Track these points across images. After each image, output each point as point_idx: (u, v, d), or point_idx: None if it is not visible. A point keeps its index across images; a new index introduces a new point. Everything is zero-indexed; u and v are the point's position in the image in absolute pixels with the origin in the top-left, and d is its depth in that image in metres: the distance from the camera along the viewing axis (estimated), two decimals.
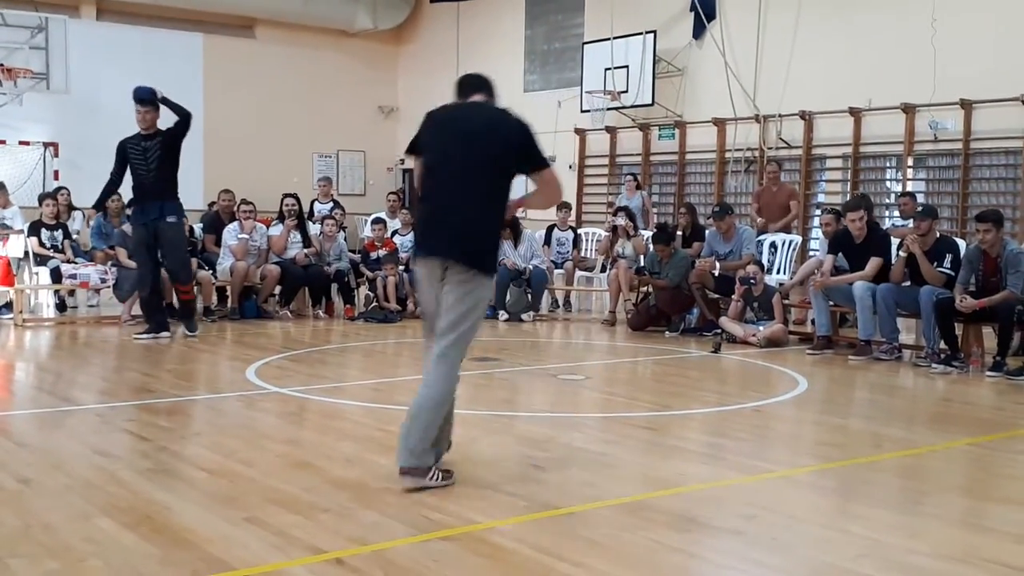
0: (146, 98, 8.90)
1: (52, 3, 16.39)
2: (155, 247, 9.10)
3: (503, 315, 11.34)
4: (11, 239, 10.73)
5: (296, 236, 11.38)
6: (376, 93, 20.83)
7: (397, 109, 20.92)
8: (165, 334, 9.19)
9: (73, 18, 16.43)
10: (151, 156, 8.94)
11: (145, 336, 9.13)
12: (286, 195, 11.72)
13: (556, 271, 12.47)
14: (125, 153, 9.01)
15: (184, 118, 8.98)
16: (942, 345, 8.32)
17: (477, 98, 4.70)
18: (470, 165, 4.46)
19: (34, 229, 10.88)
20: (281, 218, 11.57)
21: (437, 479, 4.34)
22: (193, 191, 16.53)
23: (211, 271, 10.96)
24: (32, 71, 14.97)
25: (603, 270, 12.30)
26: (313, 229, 12.03)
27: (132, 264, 10.23)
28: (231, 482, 4.44)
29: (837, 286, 9.04)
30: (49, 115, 16.41)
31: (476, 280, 4.39)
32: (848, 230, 9.11)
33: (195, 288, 10.10)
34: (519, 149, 4.54)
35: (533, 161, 4.59)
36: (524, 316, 11.43)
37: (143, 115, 8.92)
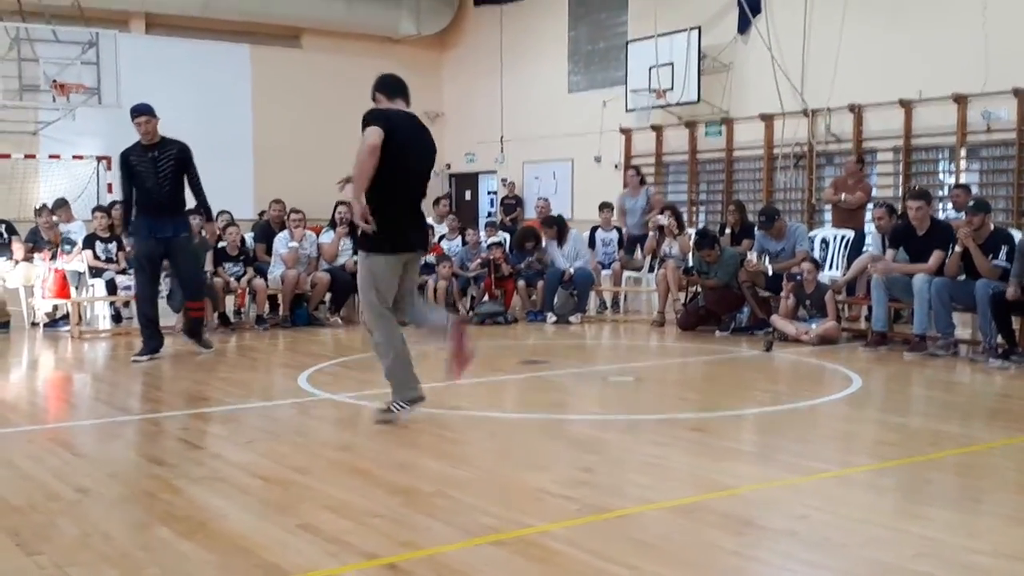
0: (143, 110, 8.53)
1: (102, 18, 16.69)
2: (160, 263, 8.77)
3: (551, 317, 11.33)
4: (69, 253, 10.94)
5: (347, 243, 11.46)
6: (421, 98, 20.56)
7: (443, 114, 21.00)
8: (159, 353, 8.76)
9: (123, 32, 16.72)
10: (161, 167, 8.49)
11: (145, 357, 8.54)
12: (339, 203, 11.81)
13: (603, 272, 12.41)
14: (130, 165, 8.55)
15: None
16: (999, 340, 8.16)
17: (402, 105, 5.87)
18: (425, 176, 6.04)
19: (88, 242, 11.07)
20: (333, 225, 11.66)
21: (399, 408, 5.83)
22: (243, 201, 16.80)
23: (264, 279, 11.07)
24: (84, 86, 15.25)
25: (651, 270, 12.23)
26: None
27: None
28: (285, 489, 4.48)
29: (899, 275, 8.84)
30: (101, 129, 16.69)
31: None
32: (909, 223, 8.94)
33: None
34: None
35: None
36: (571, 318, 11.40)
37: (143, 126, 8.49)
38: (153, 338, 8.68)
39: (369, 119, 5.57)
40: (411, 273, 6.01)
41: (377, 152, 5.50)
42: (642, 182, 13.33)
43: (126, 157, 8.60)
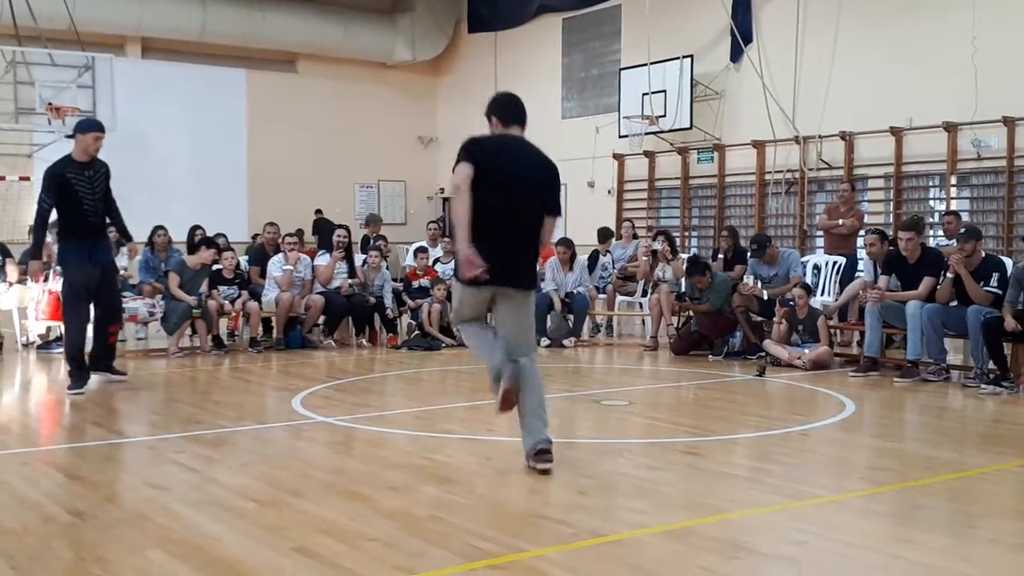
0: (103, 126, 8.15)
1: (98, 42, 16.74)
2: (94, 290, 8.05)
3: (544, 341, 11.35)
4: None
5: (342, 267, 11.49)
6: (416, 124, 21.03)
7: (436, 139, 21.09)
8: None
9: (119, 56, 16.77)
10: (98, 186, 7.91)
11: (78, 391, 7.93)
12: (337, 226, 11.87)
13: (599, 296, 12.44)
14: (67, 183, 7.75)
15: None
16: (991, 365, 8.20)
17: (517, 131, 5.31)
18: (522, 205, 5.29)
19: None
20: (330, 248, 11.69)
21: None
22: (238, 224, 16.81)
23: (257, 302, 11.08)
24: (79, 109, 15.26)
25: (644, 294, 12.28)
26: (358, 260, 12.14)
27: (181, 294, 10.35)
28: (279, 512, 4.48)
29: (892, 302, 8.89)
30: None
31: None
32: (899, 251, 9.01)
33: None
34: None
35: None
36: (565, 342, 11.42)
37: (97, 143, 7.96)
38: (84, 368, 8.09)
39: (459, 151, 5.16)
40: (508, 313, 5.34)
41: (462, 192, 5.05)
42: (635, 236, 13.64)
43: (63, 174, 7.78)
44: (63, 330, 8.54)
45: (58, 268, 11.02)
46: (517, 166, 5.24)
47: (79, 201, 7.80)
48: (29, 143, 16.79)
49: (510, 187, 5.15)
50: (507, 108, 5.39)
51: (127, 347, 11.42)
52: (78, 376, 8.00)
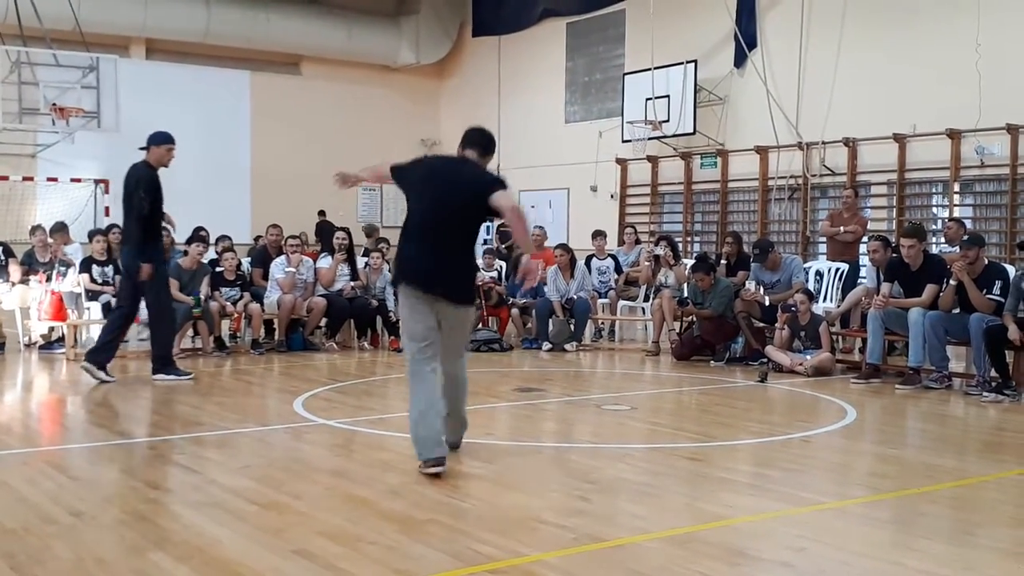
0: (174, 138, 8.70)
1: (103, 43, 16.78)
2: None
3: (546, 345, 11.34)
4: (66, 276, 10.94)
5: (344, 269, 11.49)
6: (419, 127, 21.06)
7: (440, 142, 21.11)
8: None
9: (123, 58, 16.84)
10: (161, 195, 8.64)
11: (189, 376, 8.80)
12: (338, 229, 11.87)
13: (600, 300, 12.43)
14: (158, 186, 8.52)
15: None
16: (993, 373, 8.19)
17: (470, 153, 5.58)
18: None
19: (85, 265, 11.08)
20: (331, 251, 11.70)
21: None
22: (241, 225, 16.82)
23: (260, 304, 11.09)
24: (83, 110, 15.32)
25: (646, 299, 12.27)
26: (359, 262, 12.14)
27: (182, 297, 10.37)
28: (280, 514, 4.47)
29: (895, 308, 8.87)
30: (100, 153, 16.76)
31: None
32: (902, 258, 9.00)
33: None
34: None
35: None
36: (567, 346, 11.42)
37: (170, 153, 8.62)
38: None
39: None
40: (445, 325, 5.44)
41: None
42: (637, 241, 13.63)
43: (155, 176, 8.51)
44: (148, 327, 9.20)
45: (62, 268, 11.09)
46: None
47: (157, 205, 8.51)
48: (33, 143, 16.85)
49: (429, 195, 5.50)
50: (464, 136, 5.69)
51: (128, 348, 11.42)
52: (175, 364, 8.81)
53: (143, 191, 8.35)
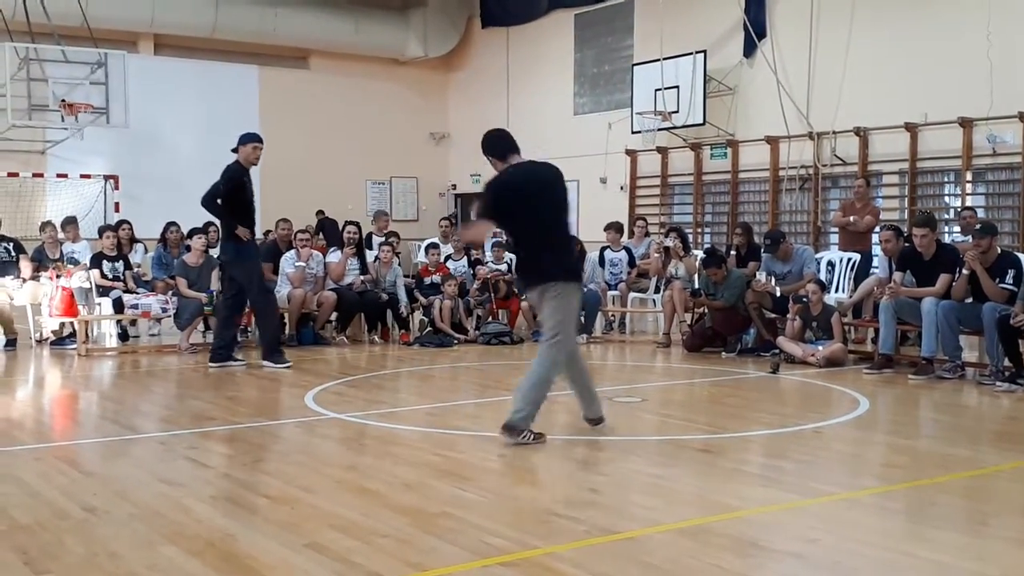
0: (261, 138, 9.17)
1: (111, 39, 16.79)
2: None
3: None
4: (75, 272, 10.97)
5: (354, 263, 11.49)
6: (427, 120, 21.04)
7: (448, 135, 21.09)
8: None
9: (132, 53, 16.86)
10: (252, 192, 9.14)
11: (288, 364, 9.26)
12: (348, 222, 11.85)
13: (611, 292, 12.41)
14: (243, 185, 8.98)
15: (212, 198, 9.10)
16: (1006, 362, 8.15)
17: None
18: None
19: (96, 261, 11.10)
20: (341, 245, 11.69)
21: (529, 438, 5.72)
22: None
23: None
24: (92, 106, 15.34)
25: (657, 291, 12.23)
26: (369, 256, 12.13)
27: (193, 293, 10.41)
28: (292, 508, 4.48)
29: (907, 298, 8.82)
30: (109, 149, 16.79)
31: None
32: (915, 248, 8.95)
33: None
34: None
35: None
36: (578, 339, 11.36)
37: (257, 151, 9.06)
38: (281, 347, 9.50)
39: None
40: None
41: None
42: (647, 233, 13.57)
43: (241, 175, 8.94)
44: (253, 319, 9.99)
45: (70, 265, 11.11)
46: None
47: (249, 203, 9.01)
48: (42, 139, 16.88)
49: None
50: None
51: (140, 343, 11.45)
52: (281, 353, 9.28)
53: (222, 184, 8.86)
